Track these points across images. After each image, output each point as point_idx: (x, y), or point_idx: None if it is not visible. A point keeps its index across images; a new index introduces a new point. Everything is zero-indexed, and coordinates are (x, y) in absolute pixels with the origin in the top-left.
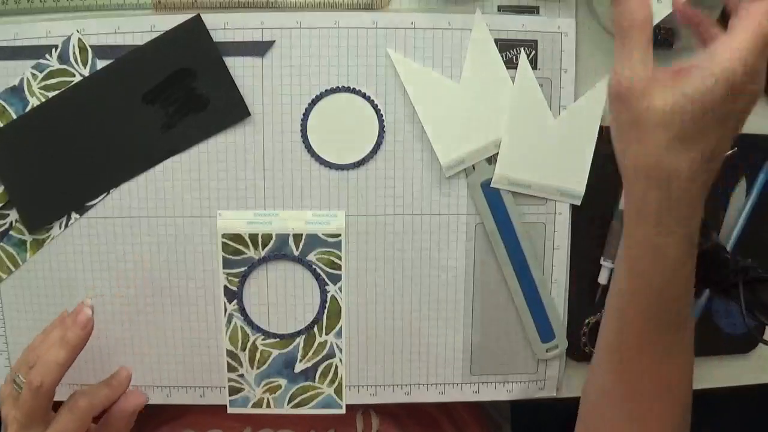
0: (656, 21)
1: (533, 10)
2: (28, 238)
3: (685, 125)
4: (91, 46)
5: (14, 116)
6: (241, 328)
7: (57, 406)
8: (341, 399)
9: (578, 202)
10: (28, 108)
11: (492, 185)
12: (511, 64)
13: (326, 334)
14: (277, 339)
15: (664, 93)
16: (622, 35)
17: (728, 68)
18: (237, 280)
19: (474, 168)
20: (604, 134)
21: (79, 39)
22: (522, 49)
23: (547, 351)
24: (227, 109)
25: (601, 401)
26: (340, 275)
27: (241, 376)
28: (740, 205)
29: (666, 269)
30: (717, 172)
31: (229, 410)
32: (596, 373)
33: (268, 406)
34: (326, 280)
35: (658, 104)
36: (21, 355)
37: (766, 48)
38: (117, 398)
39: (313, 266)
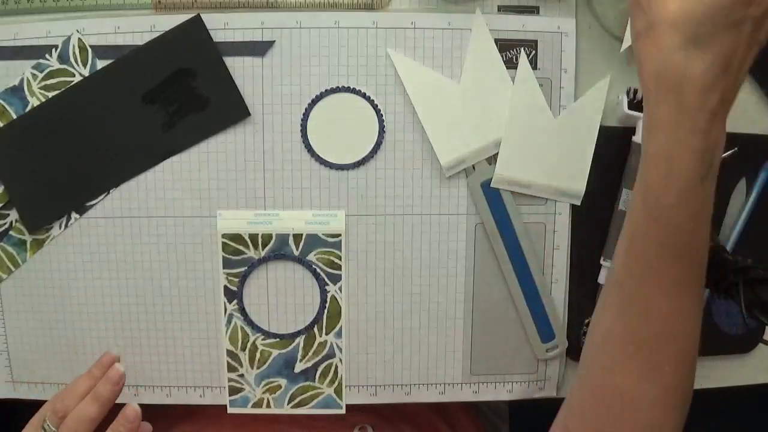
0: None
1: (533, 10)
2: (28, 238)
3: (697, 27)
4: (91, 46)
5: (14, 116)
6: (241, 328)
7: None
8: (341, 399)
9: (578, 202)
10: (28, 108)
11: (492, 185)
12: (511, 64)
13: (326, 334)
14: (277, 339)
15: None
16: None
17: None
18: (237, 280)
19: (474, 168)
20: (604, 134)
21: (79, 39)
22: (522, 49)
23: (547, 351)
24: (227, 109)
25: (606, 344)
26: (340, 275)
27: (241, 376)
28: (740, 205)
29: (678, 186)
30: (737, 90)
31: (229, 410)
32: (601, 314)
33: (268, 406)
34: (326, 280)
35: (671, 5)
36: (48, 402)
37: None
38: None
39: (313, 266)
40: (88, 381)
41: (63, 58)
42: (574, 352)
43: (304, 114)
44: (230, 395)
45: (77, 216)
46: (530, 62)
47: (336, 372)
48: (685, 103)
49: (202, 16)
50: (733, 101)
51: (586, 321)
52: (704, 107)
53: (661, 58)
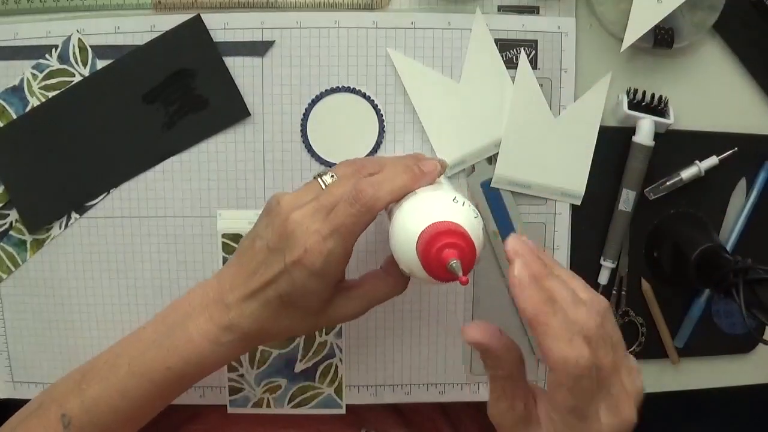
0: (656, 21)
1: (533, 10)
2: (28, 238)
3: None
4: (91, 46)
5: (14, 116)
6: None
7: None
8: (341, 399)
9: (578, 202)
10: (28, 108)
11: (492, 185)
12: (511, 64)
13: (326, 334)
14: None
15: None
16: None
17: None
18: None
19: (474, 168)
20: (604, 134)
21: (79, 39)
22: (522, 49)
23: None
24: (227, 109)
25: None
26: None
27: (241, 376)
28: (740, 205)
29: None
30: None
31: (229, 410)
32: None
33: (268, 406)
34: None
35: None
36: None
37: None
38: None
39: None
40: (401, 163)
41: (63, 58)
42: None
43: (304, 114)
44: (230, 395)
45: (77, 216)
46: (530, 62)
47: (336, 372)
48: None
49: (202, 16)
50: None
51: None
52: None
53: None
